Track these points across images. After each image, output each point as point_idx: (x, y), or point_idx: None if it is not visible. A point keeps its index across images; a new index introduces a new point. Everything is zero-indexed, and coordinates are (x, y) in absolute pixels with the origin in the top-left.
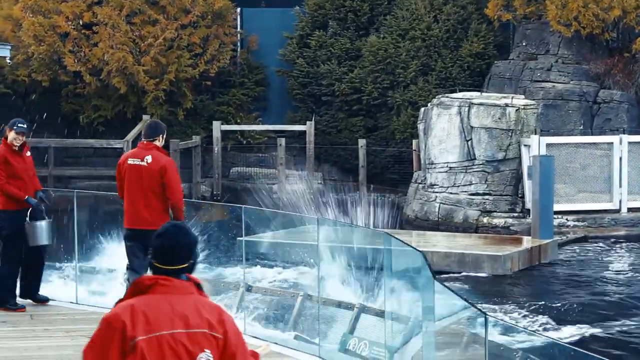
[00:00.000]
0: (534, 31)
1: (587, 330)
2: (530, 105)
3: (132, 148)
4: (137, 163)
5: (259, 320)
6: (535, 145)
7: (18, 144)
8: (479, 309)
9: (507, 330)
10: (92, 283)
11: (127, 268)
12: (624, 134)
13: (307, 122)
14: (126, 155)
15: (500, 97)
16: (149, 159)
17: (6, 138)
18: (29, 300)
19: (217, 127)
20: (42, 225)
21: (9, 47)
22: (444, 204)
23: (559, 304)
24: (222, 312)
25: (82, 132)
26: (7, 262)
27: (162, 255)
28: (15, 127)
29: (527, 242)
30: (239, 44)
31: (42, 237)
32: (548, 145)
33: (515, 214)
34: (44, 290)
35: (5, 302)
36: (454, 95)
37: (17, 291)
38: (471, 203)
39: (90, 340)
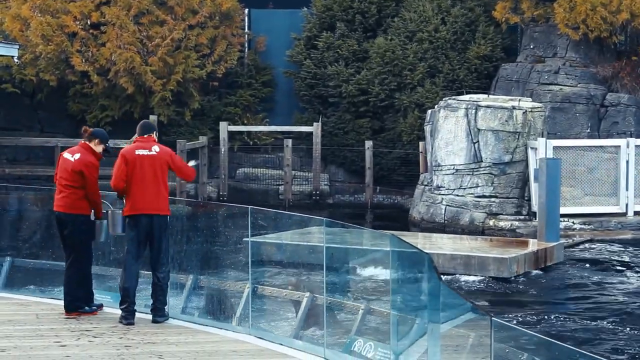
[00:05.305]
0: (541, 34)
1: (592, 333)
2: (538, 108)
3: None
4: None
5: (264, 321)
6: (542, 148)
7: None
8: (484, 312)
9: (513, 332)
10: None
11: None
12: (631, 137)
13: (314, 124)
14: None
15: (508, 99)
16: None
17: (89, 146)
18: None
19: (224, 128)
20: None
21: (17, 47)
22: (450, 206)
23: (564, 307)
24: None
25: None
26: (88, 265)
27: None
28: (108, 144)
29: (533, 245)
30: (246, 45)
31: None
32: (555, 148)
33: (522, 217)
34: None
35: (81, 307)
36: (461, 97)
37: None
38: (477, 205)
39: None
